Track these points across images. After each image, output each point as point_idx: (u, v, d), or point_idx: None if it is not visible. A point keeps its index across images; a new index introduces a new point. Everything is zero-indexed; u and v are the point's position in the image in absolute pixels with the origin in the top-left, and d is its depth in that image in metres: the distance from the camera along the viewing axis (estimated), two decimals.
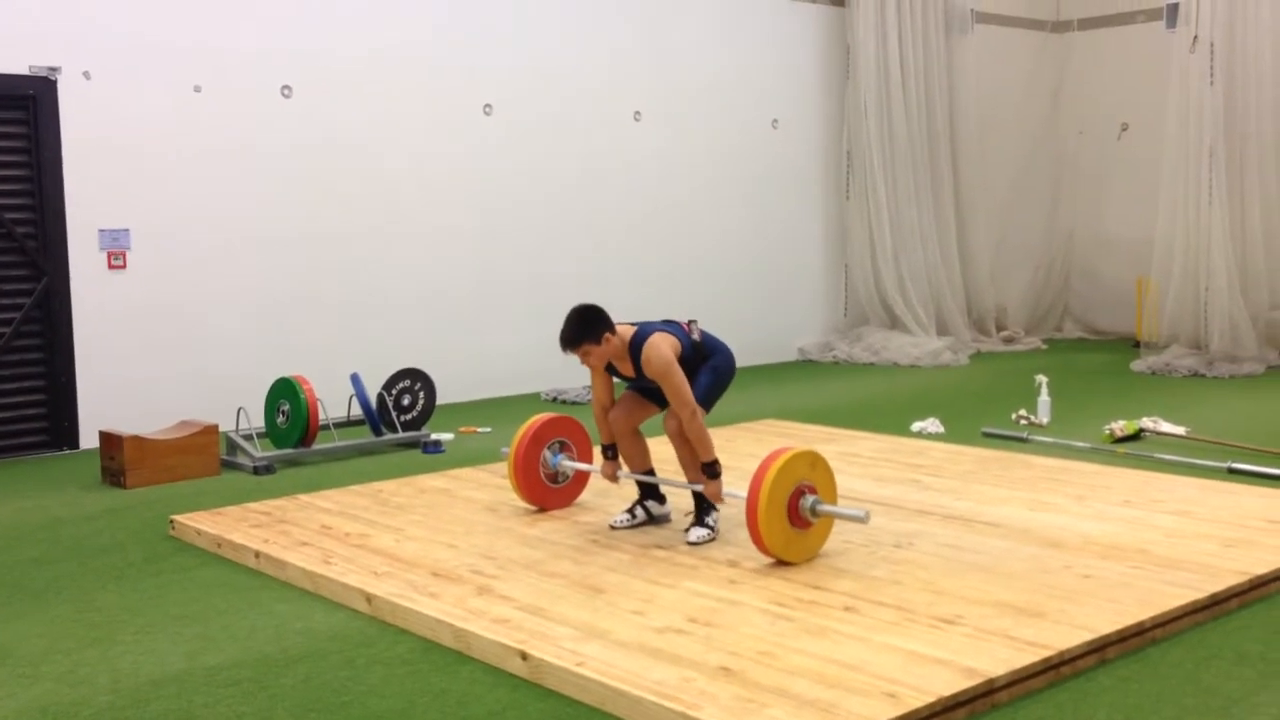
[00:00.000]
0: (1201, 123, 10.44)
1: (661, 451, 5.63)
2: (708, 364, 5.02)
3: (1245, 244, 10.53)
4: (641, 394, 5.17)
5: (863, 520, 4.56)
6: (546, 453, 5.50)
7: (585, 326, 4.88)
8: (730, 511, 5.36)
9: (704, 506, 5.05)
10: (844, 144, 11.68)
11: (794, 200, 11.41)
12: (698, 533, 4.97)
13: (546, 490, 5.55)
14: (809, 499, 4.61)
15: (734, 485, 5.94)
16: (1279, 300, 10.72)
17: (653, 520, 5.29)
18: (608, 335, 4.88)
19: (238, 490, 6.38)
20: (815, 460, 4.69)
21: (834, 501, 4.73)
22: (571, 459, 5.56)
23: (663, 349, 4.83)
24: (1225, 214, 10.39)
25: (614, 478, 5.28)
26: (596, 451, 5.48)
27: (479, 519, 5.45)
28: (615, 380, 5.17)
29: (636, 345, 4.90)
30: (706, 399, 4.95)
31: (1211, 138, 10.38)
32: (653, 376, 4.85)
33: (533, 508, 5.57)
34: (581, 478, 5.67)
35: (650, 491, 5.31)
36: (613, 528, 5.22)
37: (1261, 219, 10.56)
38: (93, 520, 5.89)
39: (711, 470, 4.87)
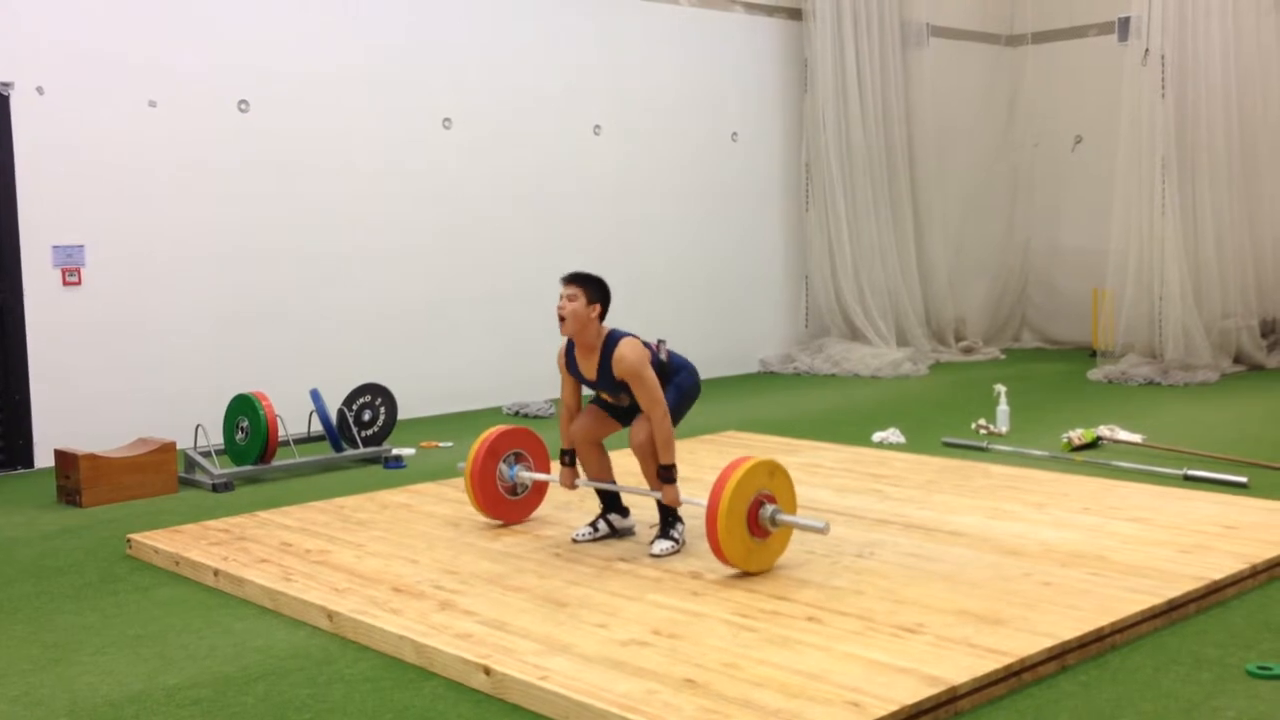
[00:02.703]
0: (1154, 135, 10.59)
1: (626, 464, 5.63)
2: (673, 382, 5.03)
3: (1198, 254, 10.68)
4: (605, 409, 5.17)
5: (823, 531, 4.58)
6: (503, 465, 5.46)
7: (593, 282, 4.91)
8: (694, 524, 5.36)
9: (669, 519, 5.05)
10: (803, 156, 11.76)
11: (754, 212, 11.46)
12: (661, 545, 4.97)
13: (505, 503, 5.51)
14: (769, 509, 4.61)
15: (695, 495, 5.95)
16: (1231, 309, 10.87)
17: (615, 533, 5.28)
18: (598, 307, 4.89)
19: (196, 508, 6.31)
20: (774, 469, 4.70)
21: (794, 511, 4.74)
22: (529, 470, 5.54)
23: (638, 349, 4.86)
24: (1178, 225, 10.54)
25: (572, 485, 5.27)
26: (555, 464, 5.46)
27: (441, 534, 5.42)
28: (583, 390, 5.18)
29: (610, 342, 4.90)
30: (672, 416, 4.95)
31: (1164, 149, 10.53)
32: (623, 375, 4.84)
33: (494, 521, 5.55)
34: (540, 489, 5.64)
35: (612, 505, 5.30)
36: (575, 541, 5.21)
37: (1213, 229, 10.71)
38: (49, 540, 5.81)
39: (668, 475, 4.86)
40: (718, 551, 4.56)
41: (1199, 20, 10.58)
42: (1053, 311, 13.34)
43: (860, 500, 5.86)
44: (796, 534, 5.21)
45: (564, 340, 5.08)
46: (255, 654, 4.12)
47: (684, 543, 5.03)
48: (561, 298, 4.89)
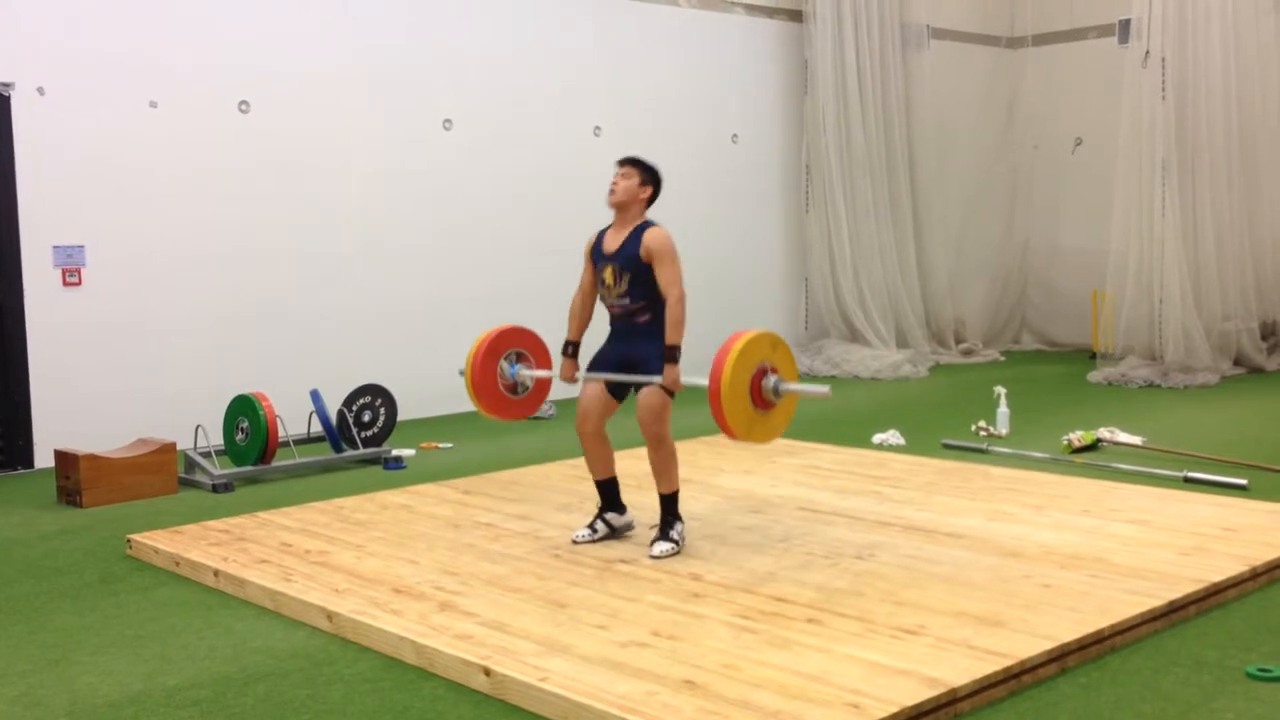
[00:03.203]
0: (1154, 137, 10.59)
1: (627, 467, 5.63)
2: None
3: (1198, 256, 10.68)
4: (606, 389, 5.15)
5: (826, 395, 4.65)
6: (504, 363, 5.45)
7: (649, 168, 5.11)
8: (692, 525, 5.37)
9: (668, 520, 5.05)
10: (803, 157, 11.76)
11: (754, 213, 11.46)
12: (661, 546, 4.97)
13: (507, 401, 5.48)
14: (771, 379, 4.63)
15: (693, 497, 5.95)
16: (1232, 311, 10.87)
17: (614, 533, 5.29)
18: (650, 190, 5.09)
19: (196, 508, 6.32)
20: (776, 342, 4.72)
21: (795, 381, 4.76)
22: (529, 369, 5.53)
23: (670, 237, 4.97)
24: (1178, 227, 10.53)
25: (572, 379, 5.29)
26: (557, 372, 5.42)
27: (441, 535, 5.42)
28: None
29: (645, 225, 5.02)
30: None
31: (1164, 151, 10.53)
32: (651, 250, 4.91)
33: (490, 523, 5.55)
34: (542, 386, 5.60)
35: (610, 504, 5.31)
36: (574, 542, 5.21)
37: (1214, 231, 10.71)
38: (48, 540, 5.81)
39: (673, 355, 4.87)
40: (722, 423, 4.55)
41: (1199, 22, 10.58)
42: (1052, 313, 13.34)
43: (860, 502, 5.87)
44: (797, 538, 5.21)
45: (594, 232, 5.21)
46: (255, 654, 4.12)
47: (684, 544, 5.03)
48: (617, 175, 5.09)
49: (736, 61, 11.26)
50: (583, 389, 5.22)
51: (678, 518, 5.07)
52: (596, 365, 5.15)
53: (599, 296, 5.18)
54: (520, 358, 5.50)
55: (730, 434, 4.59)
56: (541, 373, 5.51)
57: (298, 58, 8.52)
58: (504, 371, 5.45)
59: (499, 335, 5.44)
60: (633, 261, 4.97)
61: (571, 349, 5.31)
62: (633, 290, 4.98)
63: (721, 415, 4.52)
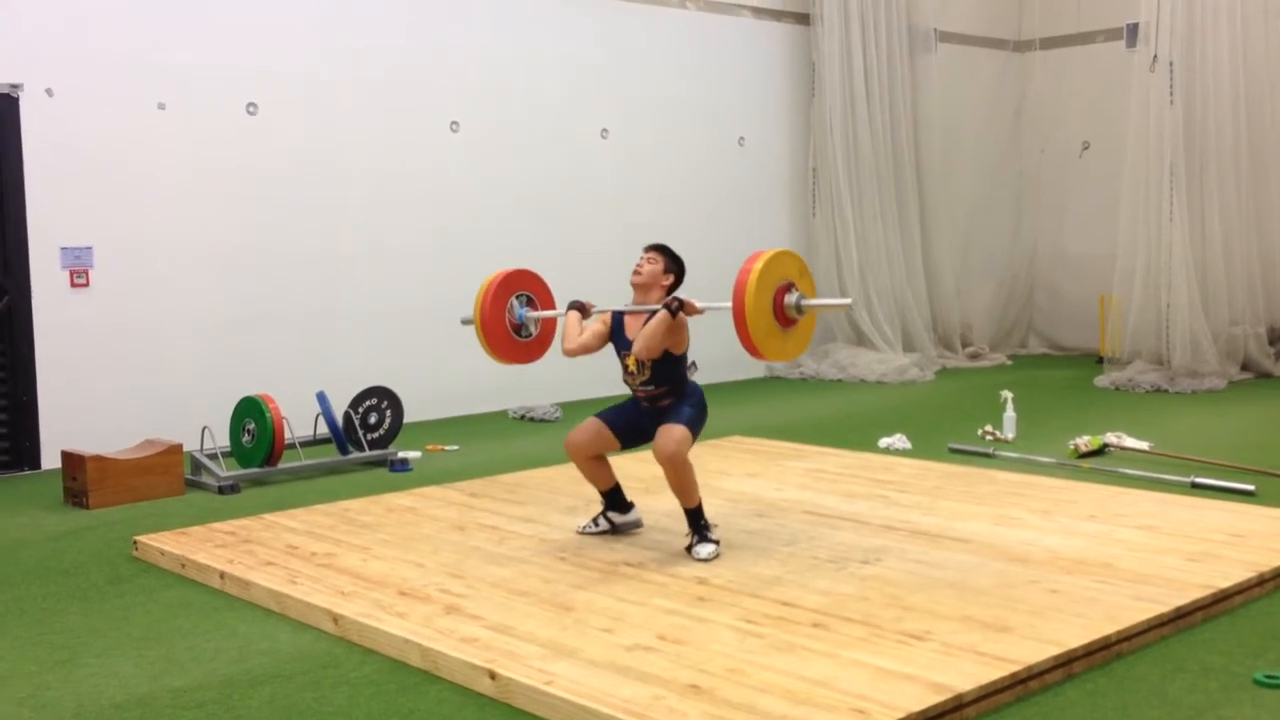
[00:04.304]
0: (1162, 141, 10.57)
1: (628, 468, 5.63)
2: (688, 402, 5.05)
3: (1205, 261, 10.66)
4: (607, 426, 5.15)
5: (848, 307, 4.85)
6: (514, 301, 5.49)
7: (675, 258, 5.23)
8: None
9: (701, 523, 5.04)
10: (810, 161, 11.75)
11: (760, 217, 11.45)
12: (706, 549, 4.94)
13: (515, 344, 5.53)
14: (794, 294, 4.69)
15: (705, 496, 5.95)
16: (1239, 316, 10.85)
17: (616, 530, 5.30)
18: (672, 278, 5.16)
19: (202, 510, 6.32)
20: (799, 261, 4.80)
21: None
22: (536, 311, 5.56)
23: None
24: (1185, 231, 10.52)
25: (588, 312, 5.33)
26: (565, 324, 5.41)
27: (446, 537, 5.42)
28: (593, 350, 5.25)
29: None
30: (692, 430, 4.96)
31: (1171, 156, 10.51)
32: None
33: (494, 527, 5.55)
34: (549, 328, 5.64)
35: (612, 503, 5.32)
36: (579, 532, 5.32)
37: (1221, 236, 10.68)
38: (55, 541, 5.82)
39: (669, 305, 4.88)
40: (746, 341, 4.59)
41: (1207, 26, 10.56)
42: (1059, 318, 13.31)
43: (866, 506, 5.86)
44: (803, 542, 5.21)
45: (611, 310, 5.24)
46: (261, 657, 4.12)
47: (721, 542, 5.04)
48: (642, 259, 5.16)
49: (743, 64, 11.25)
50: (586, 424, 5.20)
51: (707, 521, 5.07)
52: (615, 414, 5.17)
53: (623, 379, 5.16)
54: (527, 301, 5.54)
55: (754, 352, 4.65)
56: (548, 313, 5.56)
57: (306, 60, 8.53)
58: (512, 313, 5.47)
59: (507, 277, 5.49)
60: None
61: (577, 304, 5.33)
62: (656, 378, 5.01)
63: (746, 333, 4.57)
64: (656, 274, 5.13)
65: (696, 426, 5.01)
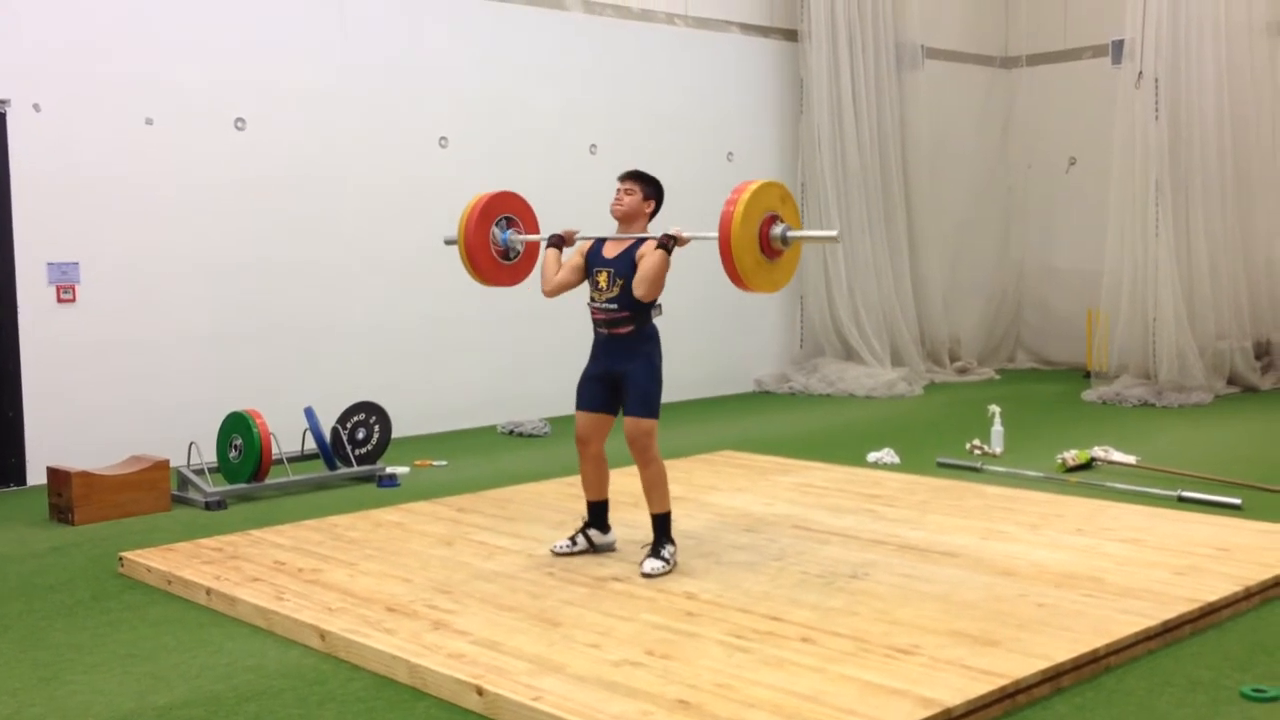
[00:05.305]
0: (1147, 157, 10.62)
1: (625, 484, 5.62)
2: (646, 351, 5.09)
3: (1192, 276, 10.71)
4: (590, 413, 5.15)
5: (835, 240, 4.88)
6: (495, 229, 5.50)
7: (653, 181, 5.22)
8: (687, 544, 5.35)
9: (660, 539, 5.04)
10: (798, 176, 11.78)
11: None
12: (652, 564, 4.96)
13: (499, 267, 5.56)
14: (780, 226, 4.73)
15: (690, 515, 5.94)
16: (1225, 330, 10.89)
17: (594, 550, 5.29)
18: (652, 204, 5.19)
19: (189, 526, 6.30)
20: (784, 193, 4.83)
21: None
22: (520, 234, 5.56)
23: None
24: (1172, 246, 10.57)
25: (571, 240, 5.36)
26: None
27: (434, 553, 5.41)
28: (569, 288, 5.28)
29: (645, 238, 5.09)
30: (653, 402, 5.03)
31: (1157, 171, 10.57)
32: (642, 257, 4.98)
33: (485, 540, 5.54)
34: (532, 251, 5.64)
35: (596, 521, 5.32)
36: (554, 552, 5.27)
37: (1207, 251, 10.74)
38: (40, 558, 5.79)
39: (664, 244, 4.97)
40: (731, 271, 4.64)
41: (1192, 43, 10.63)
42: (1047, 332, 13.35)
43: (854, 520, 5.86)
44: (792, 557, 5.21)
45: (593, 238, 5.25)
46: (247, 673, 4.10)
47: (675, 565, 5.02)
48: (620, 189, 5.15)
49: (732, 80, 11.29)
50: (577, 417, 5.21)
51: (670, 539, 5.06)
52: (586, 390, 5.17)
53: (588, 300, 5.18)
54: (510, 223, 5.55)
55: (739, 282, 4.70)
56: (532, 237, 5.59)
57: (294, 75, 8.53)
58: (495, 237, 5.50)
59: (491, 199, 5.51)
60: (628, 269, 5.01)
61: (556, 238, 5.35)
62: (621, 298, 5.03)
63: (731, 262, 4.62)
64: (636, 204, 5.15)
65: (657, 400, 5.05)
